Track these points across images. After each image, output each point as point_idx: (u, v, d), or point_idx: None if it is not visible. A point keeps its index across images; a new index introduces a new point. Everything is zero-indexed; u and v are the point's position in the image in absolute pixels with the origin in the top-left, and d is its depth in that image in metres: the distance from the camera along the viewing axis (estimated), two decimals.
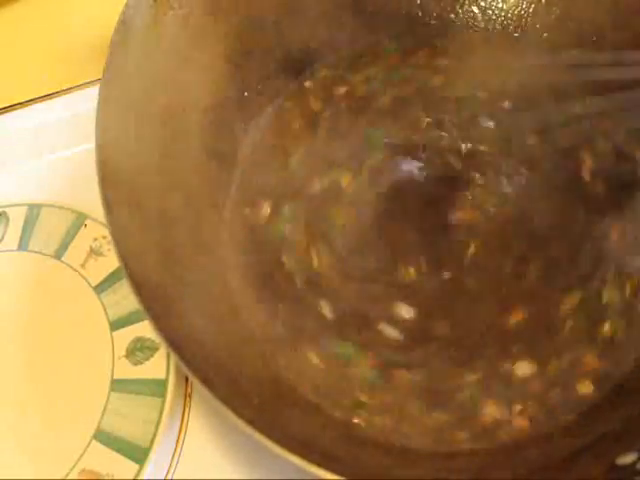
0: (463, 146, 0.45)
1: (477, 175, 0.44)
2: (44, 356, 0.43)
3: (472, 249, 0.42)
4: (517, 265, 0.41)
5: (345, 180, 0.44)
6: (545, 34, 0.48)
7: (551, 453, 0.35)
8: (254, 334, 0.40)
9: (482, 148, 0.45)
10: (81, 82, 0.52)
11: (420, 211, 0.44)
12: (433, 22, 0.50)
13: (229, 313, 0.40)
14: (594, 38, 0.46)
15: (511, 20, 0.49)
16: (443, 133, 0.45)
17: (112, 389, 0.41)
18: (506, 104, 0.46)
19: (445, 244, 0.42)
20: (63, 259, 0.45)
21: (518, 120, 0.45)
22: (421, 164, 0.44)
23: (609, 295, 0.39)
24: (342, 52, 0.49)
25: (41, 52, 0.57)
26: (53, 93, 0.53)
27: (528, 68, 0.46)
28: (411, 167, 0.44)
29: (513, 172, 0.44)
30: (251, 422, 0.29)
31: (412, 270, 0.41)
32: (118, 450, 0.39)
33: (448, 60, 0.48)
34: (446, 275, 0.41)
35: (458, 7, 0.49)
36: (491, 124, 0.45)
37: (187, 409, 0.41)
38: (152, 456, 0.38)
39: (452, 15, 0.49)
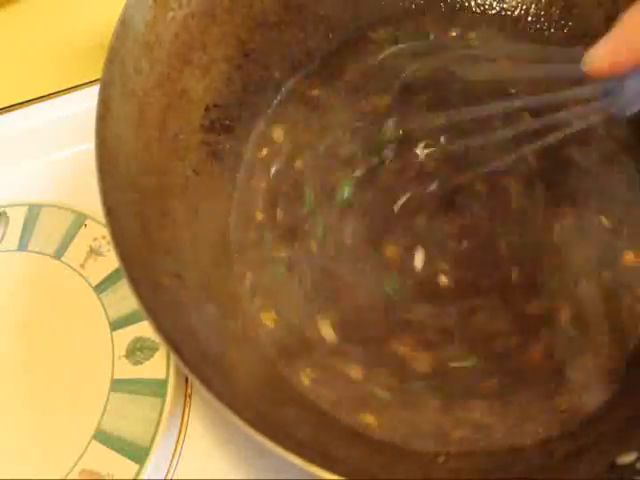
0: None
1: None
2: (44, 356, 0.43)
3: None
4: None
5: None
6: (545, 23, 0.48)
7: (551, 453, 0.35)
8: (254, 334, 0.40)
9: None
10: (81, 82, 0.52)
11: None
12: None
13: (229, 313, 0.40)
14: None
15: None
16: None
17: (112, 389, 0.41)
18: None
19: None
20: (63, 259, 0.45)
21: None
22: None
23: None
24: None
25: (41, 52, 0.57)
26: (53, 93, 0.53)
27: None
28: None
29: None
30: (251, 422, 0.29)
31: None
32: (118, 450, 0.39)
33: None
34: None
35: None
36: None
37: (187, 409, 0.41)
38: (152, 456, 0.38)
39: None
